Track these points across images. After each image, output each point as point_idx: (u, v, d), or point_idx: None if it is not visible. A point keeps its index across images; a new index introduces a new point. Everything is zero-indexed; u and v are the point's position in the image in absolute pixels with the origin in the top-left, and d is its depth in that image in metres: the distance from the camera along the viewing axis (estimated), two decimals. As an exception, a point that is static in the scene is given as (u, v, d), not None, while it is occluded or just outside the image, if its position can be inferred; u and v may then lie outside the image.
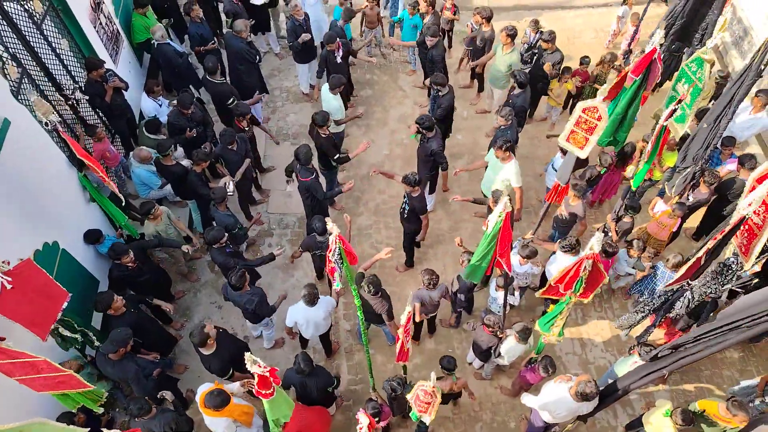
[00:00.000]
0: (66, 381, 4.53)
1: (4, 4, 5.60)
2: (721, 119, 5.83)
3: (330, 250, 4.24)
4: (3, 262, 4.32)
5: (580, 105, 5.40)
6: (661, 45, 5.85)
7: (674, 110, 5.56)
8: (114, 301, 5.48)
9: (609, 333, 7.12)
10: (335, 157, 7.15)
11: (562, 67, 8.10)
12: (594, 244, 4.21)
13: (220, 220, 6.48)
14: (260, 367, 4.15)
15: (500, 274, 5.90)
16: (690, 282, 5.20)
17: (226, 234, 6.09)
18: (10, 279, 4.31)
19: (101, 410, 5.11)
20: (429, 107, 8.19)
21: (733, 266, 5.32)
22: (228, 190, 6.49)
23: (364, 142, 7.17)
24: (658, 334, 6.70)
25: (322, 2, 8.99)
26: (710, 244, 4.62)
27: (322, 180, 7.41)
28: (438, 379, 5.42)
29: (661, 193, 7.54)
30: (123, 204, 6.50)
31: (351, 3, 9.05)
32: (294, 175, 6.74)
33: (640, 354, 5.29)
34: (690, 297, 5.54)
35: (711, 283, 5.54)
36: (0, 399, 4.80)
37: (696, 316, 6.11)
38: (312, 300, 5.54)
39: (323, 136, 6.95)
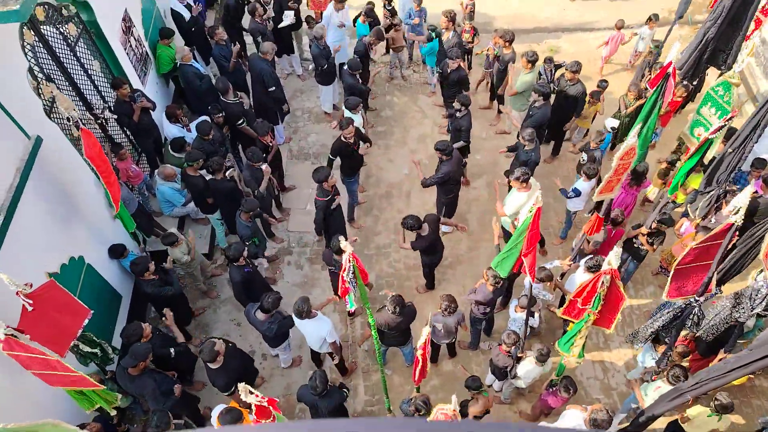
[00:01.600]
0: (78, 381, 4.57)
1: (41, 27, 5.85)
2: (746, 143, 5.76)
3: (344, 270, 4.22)
4: (26, 284, 4.38)
5: (617, 156, 5.44)
6: (680, 69, 5.84)
7: (722, 126, 5.57)
8: (144, 330, 5.51)
9: (632, 358, 6.96)
10: (329, 158, 7.34)
11: (585, 98, 8.06)
12: (612, 259, 4.16)
13: (238, 228, 6.58)
14: (256, 397, 4.03)
15: (523, 294, 5.84)
16: (697, 298, 5.10)
17: (246, 245, 6.13)
18: (31, 301, 4.37)
19: (115, 412, 5.15)
20: (448, 127, 8.24)
21: (762, 290, 5.20)
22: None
23: None
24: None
25: (347, 23, 9.17)
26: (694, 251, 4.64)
27: (343, 189, 7.51)
28: (469, 401, 5.34)
29: (685, 215, 7.42)
30: (115, 214, 6.50)
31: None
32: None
33: (669, 378, 5.19)
34: (699, 314, 5.42)
35: (740, 307, 5.42)
36: (16, 400, 4.89)
37: (723, 341, 5.96)
38: (299, 314, 5.53)
39: (342, 139, 7.06)
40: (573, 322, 4.98)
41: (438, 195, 7.35)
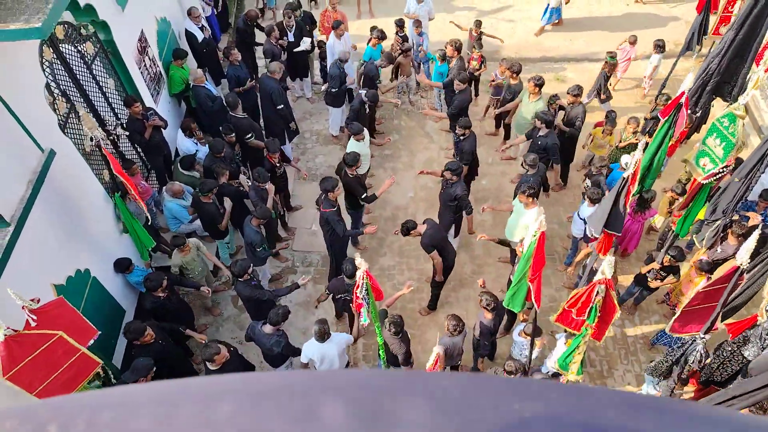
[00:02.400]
0: (82, 367, 4.53)
1: (60, 45, 6.02)
2: (752, 175, 5.79)
3: (357, 286, 4.27)
4: (32, 299, 4.39)
5: (631, 165, 5.46)
6: (692, 97, 5.90)
7: (718, 173, 5.58)
8: (144, 335, 5.51)
9: (636, 387, 6.87)
10: (362, 197, 7.26)
11: (582, 122, 8.13)
12: (605, 268, 4.13)
13: (248, 233, 6.64)
14: None
15: (529, 321, 5.80)
16: (702, 336, 5.08)
17: (257, 251, 6.18)
18: (35, 317, 4.36)
19: None
20: (454, 152, 8.33)
21: None
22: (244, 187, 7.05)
23: (388, 179, 7.27)
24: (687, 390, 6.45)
25: (350, 49, 9.38)
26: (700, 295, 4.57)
27: (348, 220, 7.53)
28: None
29: (690, 246, 7.40)
30: (149, 223, 6.72)
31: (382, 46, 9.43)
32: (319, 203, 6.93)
33: None
34: (702, 352, 5.39)
35: (750, 346, 5.40)
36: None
37: (732, 380, 5.90)
38: (322, 336, 5.47)
39: (350, 175, 7.11)
40: (571, 338, 4.95)
41: (443, 215, 7.35)
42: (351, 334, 7.21)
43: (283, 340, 5.78)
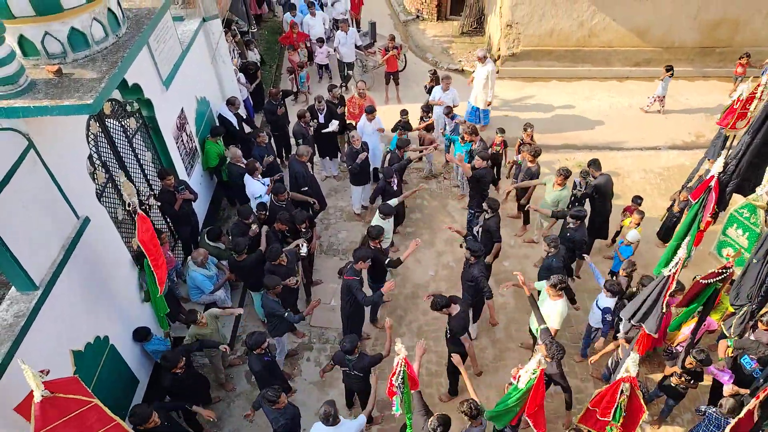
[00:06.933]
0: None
1: (106, 120, 6.41)
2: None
3: (394, 373, 4.16)
4: (41, 371, 4.19)
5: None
6: (720, 174, 5.91)
7: (721, 273, 5.43)
8: (149, 422, 5.27)
9: (671, 493, 6.36)
10: (386, 261, 7.35)
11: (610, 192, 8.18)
12: (630, 365, 3.94)
13: (265, 304, 6.65)
14: None
15: None
16: None
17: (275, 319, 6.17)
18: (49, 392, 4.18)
19: None
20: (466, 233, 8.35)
21: None
22: (302, 252, 7.34)
23: (413, 242, 7.29)
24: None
25: (378, 132, 9.74)
26: (758, 400, 4.31)
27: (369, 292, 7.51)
28: None
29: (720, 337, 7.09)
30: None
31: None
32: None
33: None
34: None
35: None
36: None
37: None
38: (326, 418, 5.17)
39: (372, 248, 7.20)
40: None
41: (464, 296, 7.25)
42: (363, 413, 6.94)
43: (282, 420, 5.50)
